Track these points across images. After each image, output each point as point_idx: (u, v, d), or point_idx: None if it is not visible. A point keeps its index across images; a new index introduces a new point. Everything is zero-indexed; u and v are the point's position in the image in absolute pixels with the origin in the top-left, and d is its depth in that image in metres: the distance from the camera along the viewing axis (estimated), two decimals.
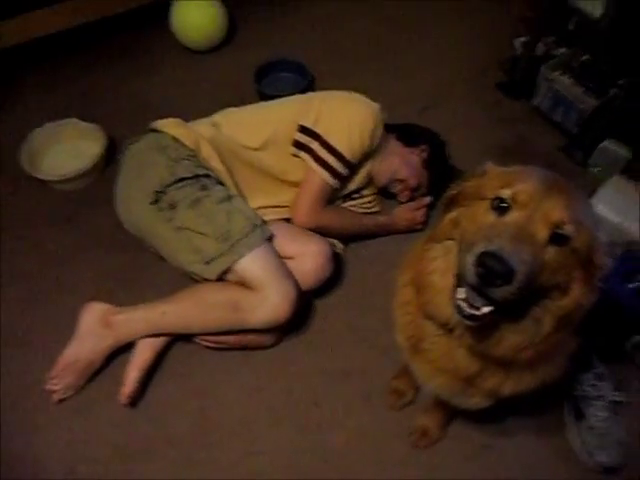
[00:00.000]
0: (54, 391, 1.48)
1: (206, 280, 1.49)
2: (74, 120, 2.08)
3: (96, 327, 1.50)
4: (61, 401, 1.49)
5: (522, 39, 2.46)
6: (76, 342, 1.49)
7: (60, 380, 1.47)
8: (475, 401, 1.07)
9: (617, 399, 1.48)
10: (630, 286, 1.51)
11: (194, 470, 1.41)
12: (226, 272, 1.46)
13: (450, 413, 1.44)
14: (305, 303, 1.63)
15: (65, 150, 2.07)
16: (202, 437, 1.46)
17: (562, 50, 2.33)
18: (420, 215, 1.88)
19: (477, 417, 1.48)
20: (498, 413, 1.50)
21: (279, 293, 1.43)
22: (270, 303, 1.43)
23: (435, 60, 2.55)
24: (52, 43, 2.28)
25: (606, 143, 2.06)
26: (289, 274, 1.50)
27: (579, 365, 1.49)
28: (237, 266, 1.44)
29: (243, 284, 1.46)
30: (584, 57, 2.22)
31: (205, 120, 1.71)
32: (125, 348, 1.53)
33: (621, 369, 1.59)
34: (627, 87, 1.92)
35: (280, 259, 1.52)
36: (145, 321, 1.50)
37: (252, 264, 1.44)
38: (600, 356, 1.53)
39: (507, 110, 2.35)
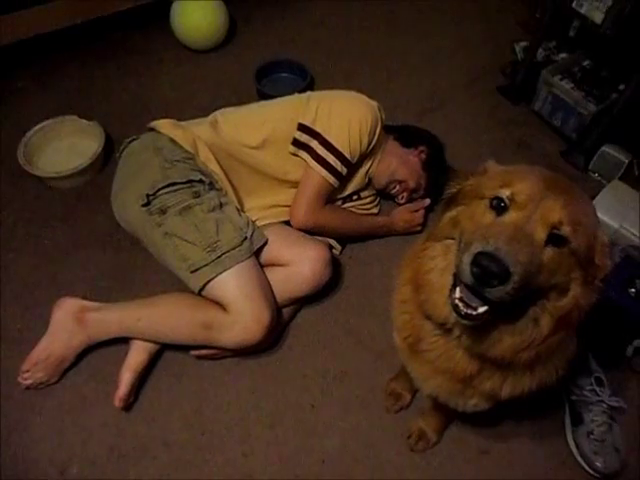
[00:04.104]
0: (24, 383, 1.47)
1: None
2: (73, 117, 2.06)
3: (68, 323, 1.48)
4: (28, 388, 1.48)
5: (523, 44, 2.48)
6: (48, 338, 1.47)
7: (31, 375, 1.46)
8: (473, 403, 1.06)
9: (615, 404, 1.47)
10: (630, 291, 1.50)
11: (189, 471, 1.40)
12: (207, 285, 1.43)
13: (448, 417, 1.42)
14: (282, 327, 1.63)
15: (63, 147, 2.05)
16: (197, 438, 1.45)
17: (562, 55, 2.35)
18: (419, 217, 1.87)
19: (474, 421, 1.48)
20: (496, 417, 1.49)
21: (252, 316, 1.41)
22: (241, 325, 1.41)
23: (435, 63, 2.55)
24: (52, 40, 2.26)
25: (605, 148, 2.06)
26: (267, 296, 1.47)
27: (579, 369, 1.48)
28: (217, 280, 1.42)
29: (218, 302, 1.44)
30: (585, 62, 2.23)
31: (204, 119, 1.70)
32: (119, 343, 1.52)
33: (618, 375, 1.59)
34: (628, 92, 1.91)
35: (262, 278, 1.50)
36: (119, 324, 1.49)
37: (232, 281, 1.42)
38: (599, 361, 1.52)
39: (507, 114, 2.35)
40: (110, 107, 2.23)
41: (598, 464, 1.41)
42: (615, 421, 1.48)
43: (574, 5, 1.90)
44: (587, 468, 1.43)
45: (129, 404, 1.46)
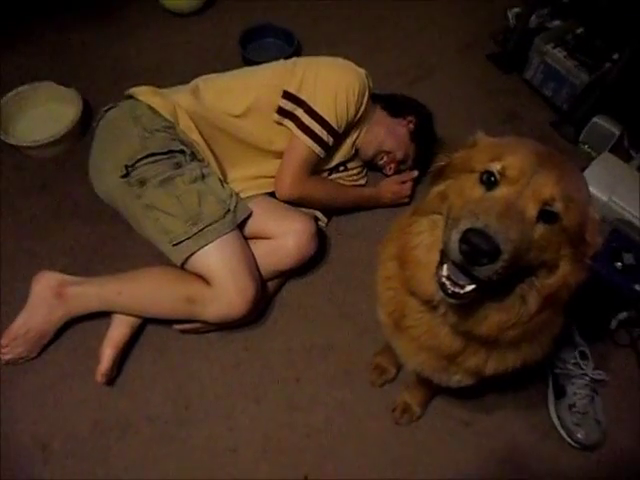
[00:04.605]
0: (3, 358, 1.45)
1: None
2: (49, 83, 1.98)
3: (47, 298, 1.45)
4: (7, 363, 1.45)
5: (516, 10, 2.42)
6: (27, 312, 1.44)
7: (10, 350, 1.43)
8: (457, 379, 1.05)
9: (598, 377, 1.48)
10: (617, 264, 1.49)
11: (172, 445, 1.39)
12: (189, 258, 1.40)
13: (432, 390, 1.42)
14: (267, 300, 1.61)
15: (40, 115, 1.98)
16: (180, 413, 1.44)
17: (556, 23, 2.29)
18: (406, 188, 1.84)
19: (458, 394, 1.47)
20: (479, 390, 1.49)
21: (236, 290, 1.39)
22: (225, 299, 1.39)
23: (425, 29, 2.49)
24: (27, 2, 2.16)
25: (597, 119, 2.03)
26: (250, 270, 1.44)
27: (563, 343, 1.48)
28: (200, 254, 1.38)
29: (201, 276, 1.41)
30: (578, 30, 2.18)
31: (185, 87, 1.64)
32: (100, 317, 1.49)
33: (601, 347, 1.60)
34: (621, 62, 1.87)
35: (245, 251, 1.46)
36: (99, 298, 1.45)
37: (215, 254, 1.39)
38: (583, 334, 1.52)
39: (497, 83, 2.31)
40: (88, 73, 2.15)
41: (579, 435, 1.42)
42: (597, 393, 1.49)
43: None
44: (568, 439, 1.45)
45: (111, 379, 1.45)
